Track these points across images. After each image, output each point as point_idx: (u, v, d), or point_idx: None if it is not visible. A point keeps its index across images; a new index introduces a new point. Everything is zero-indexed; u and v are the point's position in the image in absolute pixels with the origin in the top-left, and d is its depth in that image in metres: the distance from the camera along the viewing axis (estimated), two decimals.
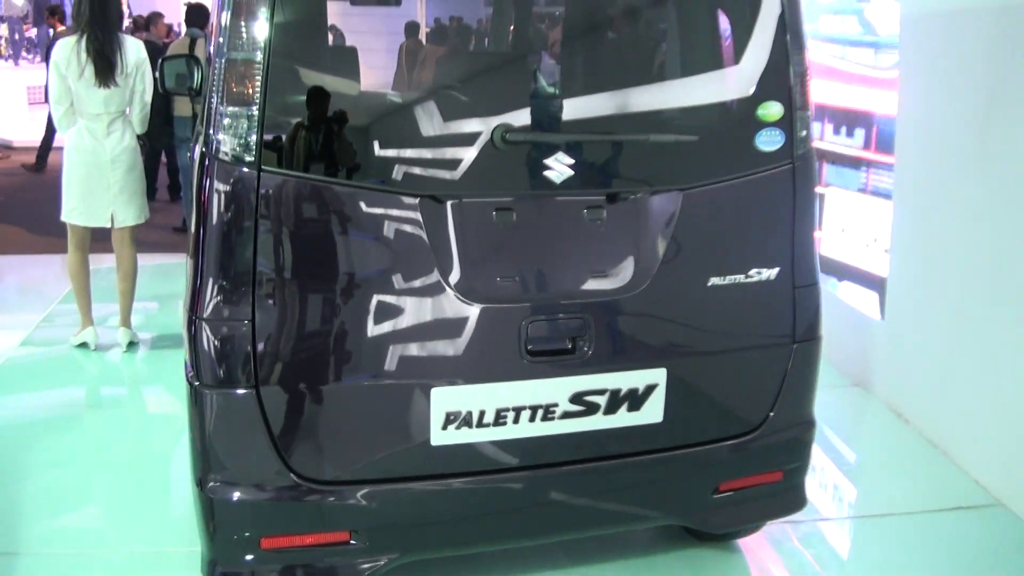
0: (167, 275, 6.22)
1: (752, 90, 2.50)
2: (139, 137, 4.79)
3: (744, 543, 3.17)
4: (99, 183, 4.62)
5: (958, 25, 3.84)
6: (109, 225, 4.70)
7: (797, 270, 2.60)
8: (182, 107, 6.96)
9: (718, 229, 2.51)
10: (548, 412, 2.36)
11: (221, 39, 2.17)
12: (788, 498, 2.80)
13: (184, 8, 8.52)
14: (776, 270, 2.56)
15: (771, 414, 2.63)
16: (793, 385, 2.65)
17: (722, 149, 2.51)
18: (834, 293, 4.88)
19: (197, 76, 3.76)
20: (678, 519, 2.75)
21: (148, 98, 4.73)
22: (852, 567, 3.20)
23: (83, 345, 4.88)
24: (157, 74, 3.92)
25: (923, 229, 4.11)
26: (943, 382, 3.94)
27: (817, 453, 4.02)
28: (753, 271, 2.54)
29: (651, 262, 2.42)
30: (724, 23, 2.56)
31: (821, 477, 3.87)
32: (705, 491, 2.63)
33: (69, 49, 4.51)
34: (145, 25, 9.45)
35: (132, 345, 4.89)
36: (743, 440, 2.62)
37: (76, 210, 4.67)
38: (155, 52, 6.33)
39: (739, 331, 2.58)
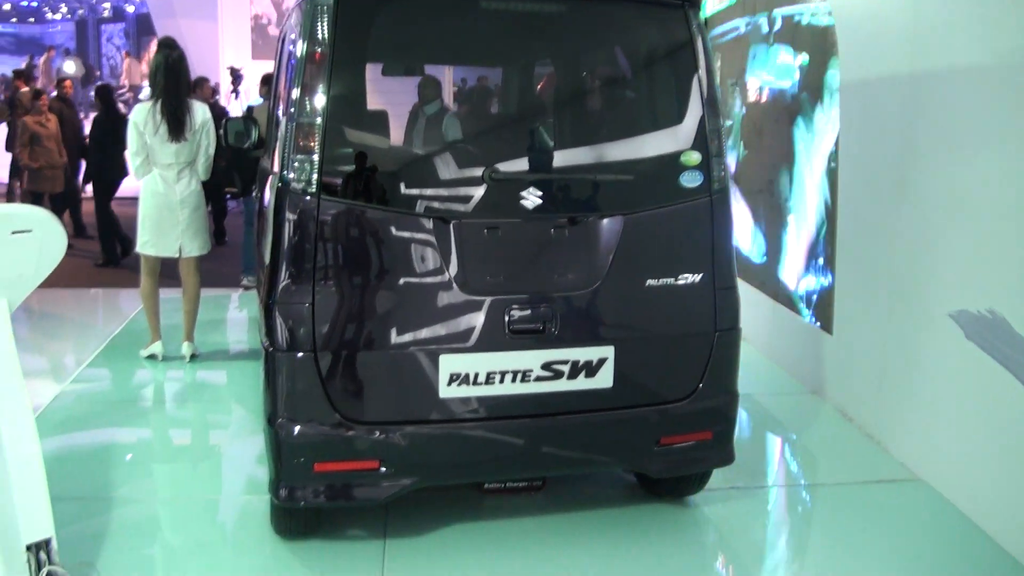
0: (218, 304, 7.28)
1: (677, 143, 3.47)
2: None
3: (696, 499, 4.04)
4: (169, 220, 5.63)
5: (879, 96, 4.80)
6: (177, 255, 5.72)
7: (717, 276, 3.52)
8: None
9: (653, 244, 3.45)
10: (525, 375, 3.30)
11: (292, 109, 3.17)
12: (718, 454, 3.68)
13: (228, 74, 9.89)
14: (700, 275, 3.49)
15: (700, 386, 3.54)
16: (717, 364, 3.55)
17: (655, 186, 3.47)
18: (799, 316, 5.79)
19: (254, 133, 4.86)
20: (628, 465, 3.65)
21: (212, 151, 5.74)
22: (788, 521, 4.07)
23: (151, 357, 5.89)
24: (222, 131, 5.03)
25: (860, 255, 5.03)
26: (879, 384, 4.81)
27: (770, 442, 4.93)
28: (682, 276, 3.47)
29: (601, 267, 3.37)
30: (656, 95, 3.56)
31: (770, 458, 4.76)
32: (649, 443, 3.53)
33: (146, 112, 5.52)
34: (191, 88, 10.71)
35: (194, 357, 5.90)
36: (678, 404, 3.52)
37: (150, 243, 5.68)
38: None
39: (672, 321, 3.49)
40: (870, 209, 4.90)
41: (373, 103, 3.52)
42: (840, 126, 5.22)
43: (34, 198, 9.44)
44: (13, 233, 2.94)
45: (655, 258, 3.45)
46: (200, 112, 5.67)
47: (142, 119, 5.54)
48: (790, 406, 5.36)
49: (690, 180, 3.46)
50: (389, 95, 3.68)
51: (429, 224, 3.23)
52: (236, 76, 14.81)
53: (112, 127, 8.63)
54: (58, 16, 28.98)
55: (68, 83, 11.18)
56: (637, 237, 3.41)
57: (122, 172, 8.88)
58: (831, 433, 4.98)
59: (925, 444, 4.39)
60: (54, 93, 10.91)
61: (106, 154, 8.90)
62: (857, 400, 5.06)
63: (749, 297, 6.35)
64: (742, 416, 5.16)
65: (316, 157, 3.14)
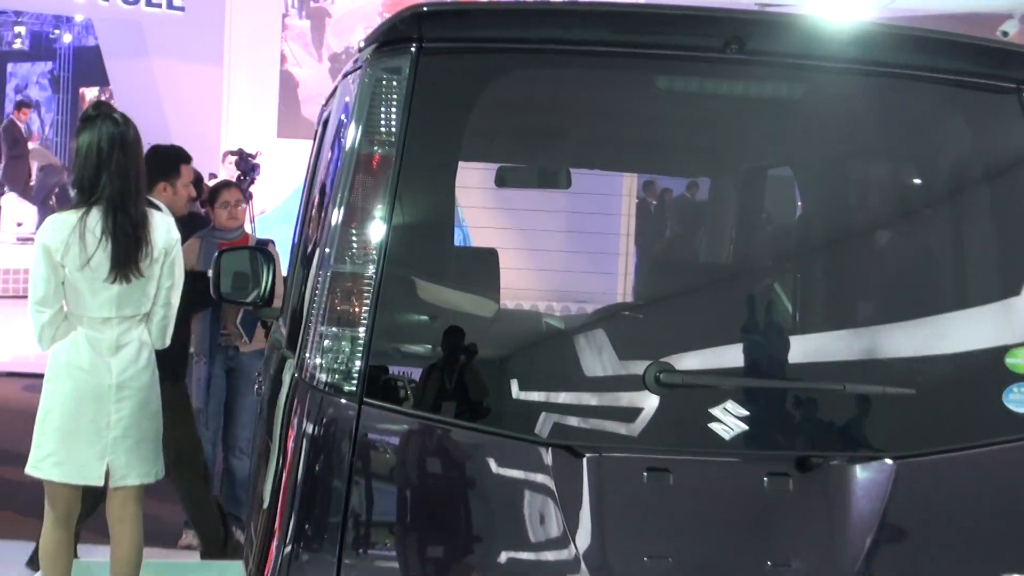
0: None
1: (1002, 330, 3.62)
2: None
3: None
4: (94, 419, 5.66)
5: None
6: (101, 483, 5.79)
7: None
8: None
9: (950, 513, 3.53)
10: None
11: (328, 247, 3.47)
12: None
13: (230, 161, 10.48)
14: None
15: None
16: None
17: (953, 407, 3.60)
18: None
19: (266, 279, 4.94)
20: None
21: (175, 299, 5.82)
22: None
23: None
24: (211, 271, 5.10)
25: None
26: None
27: None
28: (1007, 574, 3.56)
29: (854, 553, 3.45)
30: (964, 243, 3.74)
31: None
32: None
33: (69, 229, 5.51)
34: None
35: None
36: None
37: (53, 458, 5.69)
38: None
39: None
40: None
41: (465, 239, 3.81)
42: None
43: None
44: None
45: (956, 538, 3.54)
46: (163, 229, 5.74)
47: (60, 241, 5.56)
48: None
49: (1022, 400, 3.58)
50: (493, 226, 3.97)
51: (547, 457, 3.42)
52: (246, 165, 14.80)
53: None
54: None
55: None
56: (921, 499, 3.51)
57: None
58: None
59: None
60: None
61: None
62: None
63: None
64: None
65: (362, 332, 3.39)
